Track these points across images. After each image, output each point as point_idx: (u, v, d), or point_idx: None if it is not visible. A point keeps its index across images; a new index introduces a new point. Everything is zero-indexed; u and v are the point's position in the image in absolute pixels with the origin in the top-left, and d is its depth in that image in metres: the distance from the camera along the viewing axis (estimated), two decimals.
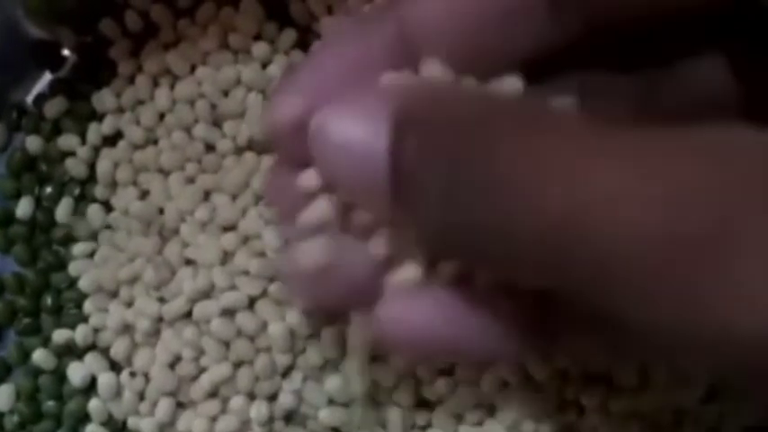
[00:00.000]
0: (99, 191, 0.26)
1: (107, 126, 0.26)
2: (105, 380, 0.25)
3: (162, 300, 0.25)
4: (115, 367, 0.25)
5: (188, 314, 0.24)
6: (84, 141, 0.26)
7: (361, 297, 0.17)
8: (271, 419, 0.24)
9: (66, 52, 0.27)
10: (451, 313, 0.17)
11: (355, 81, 0.16)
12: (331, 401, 0.24)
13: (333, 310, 0.21)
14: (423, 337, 0.17)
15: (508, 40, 0.16)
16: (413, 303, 0.17)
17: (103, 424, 0.25)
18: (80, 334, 0.25)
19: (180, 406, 0.25)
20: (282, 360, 0.24)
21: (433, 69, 0.16)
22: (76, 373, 0.25)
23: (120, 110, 0.26)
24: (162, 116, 0.26)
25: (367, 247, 0.17)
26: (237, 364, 0.24)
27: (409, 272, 0.17)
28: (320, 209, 0.17)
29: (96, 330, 0.25)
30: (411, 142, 0.14)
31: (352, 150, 0.15)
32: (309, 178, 0.17)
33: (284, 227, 0.19)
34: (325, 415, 0.24)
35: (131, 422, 0.25)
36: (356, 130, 0.15)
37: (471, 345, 0.17)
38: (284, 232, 0.19)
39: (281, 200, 0.19)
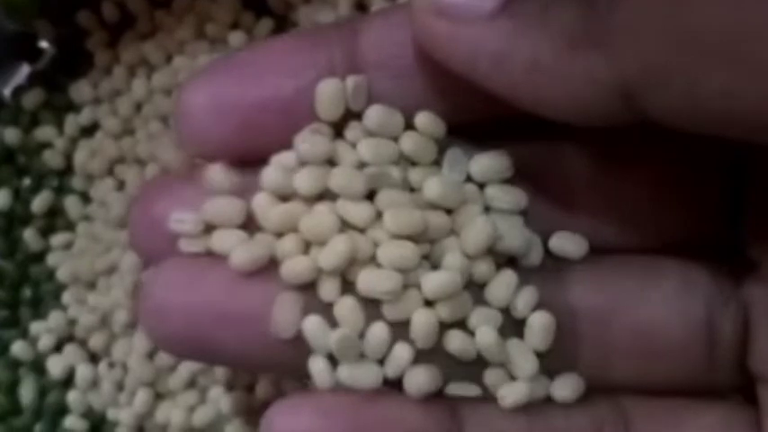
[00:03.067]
0: (77, 182, 0.26)
1: (84, 117, 0.26)
2: (83, 371, 0.25)
3: (139, 290, 0.24)
4: (94, 358, 0.25)
5: None
6: (61, 133, 0.26)
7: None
8: (248, 409, 0.24)
9: (43, 44, 0.27)
10: (345, 425, 0.15)
11: (290, 78, 0.15)
12: None
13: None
14: None
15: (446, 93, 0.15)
16: (299, 413, 0.15)
17: (82, 415, 0.25)
18: (58, 325, 0.25)
19: (158, 397, 0.25)
20: None
21: (375, 112, 0.15)
22: (56, 364, 0.25)
23: (98, 101, 0.26)
24: (139, 106, 0.26)
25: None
26: None
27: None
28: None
29: (74, 322, 0.25)
30: None
31: None
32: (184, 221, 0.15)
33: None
34: None
35: (110, 413, 0.25)
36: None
37: None
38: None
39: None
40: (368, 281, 0.15)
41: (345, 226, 0.15)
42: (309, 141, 0.15)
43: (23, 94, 0.27)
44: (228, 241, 0.15)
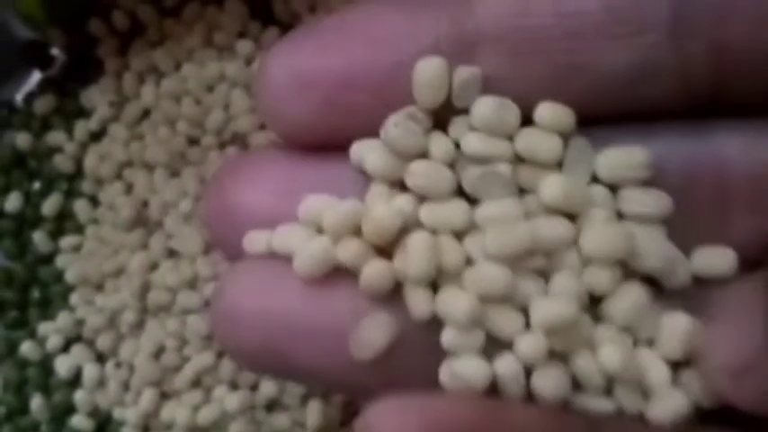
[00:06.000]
0: (86, 185, 0.27)
1: (94, 122, 0.27)
2: (90, 371, 0.25)
3: (146, 291, 0.25)
4: (101, 359, 0.26)
5: (172, 305, 0.25)
6: (71, 137, 0.27)
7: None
8: (252, 408, 0.24)
9: (55, 52, 0.28)
10: None
11: (384, 51, 0.13)
12: (311, 392, 0.24)
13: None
14: None
15: (599, 61, 0.12)
16: (408, 417, 0.12)
17: (89, 415, 0.25)
18: (66, 326, 0.26)
19: (164, 396, 0.25)
20: None
21: (485, 106, 0.13)
22: (63, 364, 0.26)
23: (107, 106, 0.27)
24: (147, 112, 0.26)
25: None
26: (220, 354, 0.24)
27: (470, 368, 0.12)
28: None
29: (82, 322, 0.26)
30: None
31: None
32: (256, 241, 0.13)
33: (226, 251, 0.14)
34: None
35: (116, 413, 0.25)
36: None
37: None
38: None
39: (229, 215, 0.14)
40: (448, 302, 0.12)
41: (433, 232, 0.13)
42: (402, 127, 0.12)
43: (35, 99, 0.27)
44: (290, 241, 0.13)
